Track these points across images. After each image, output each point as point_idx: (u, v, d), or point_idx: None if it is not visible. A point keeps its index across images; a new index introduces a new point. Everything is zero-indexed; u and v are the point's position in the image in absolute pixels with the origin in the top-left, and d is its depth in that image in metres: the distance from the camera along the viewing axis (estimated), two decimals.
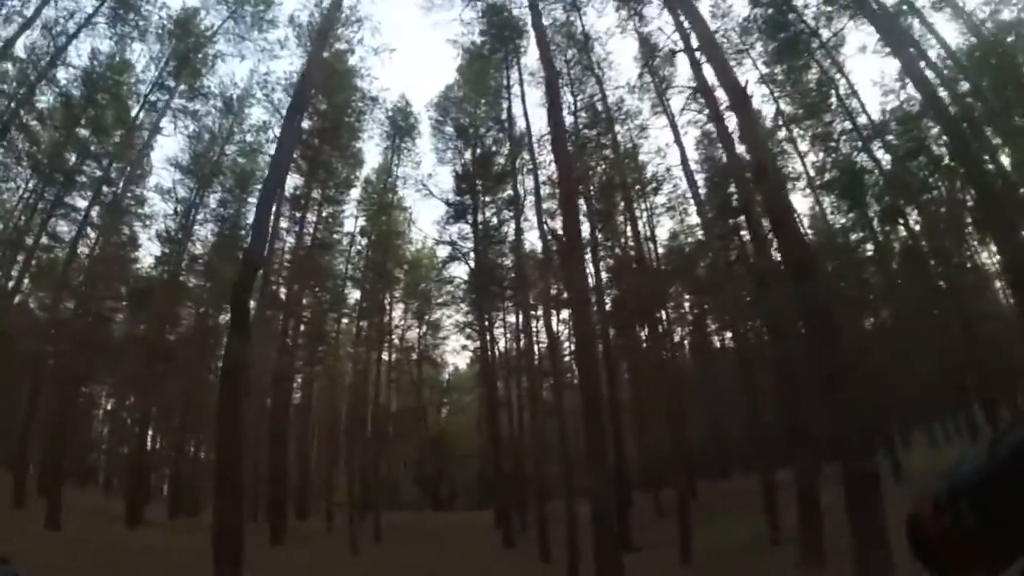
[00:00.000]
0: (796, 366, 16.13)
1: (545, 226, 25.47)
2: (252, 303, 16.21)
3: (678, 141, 25.69)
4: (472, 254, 30.85)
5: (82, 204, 33.40)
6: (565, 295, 24.37)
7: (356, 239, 33.86)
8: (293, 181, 31.55)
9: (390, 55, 39.62)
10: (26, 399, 31.29)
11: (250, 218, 33.11)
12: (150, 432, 35.66)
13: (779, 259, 15.43)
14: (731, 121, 17.51)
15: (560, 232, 18.04)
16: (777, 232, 12.40)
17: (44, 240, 33.76)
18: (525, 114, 27.84)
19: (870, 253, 30.80)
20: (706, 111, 25.78)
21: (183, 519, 28.73)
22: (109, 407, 45.69)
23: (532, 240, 45.94)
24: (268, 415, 32.09)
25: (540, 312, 40.22)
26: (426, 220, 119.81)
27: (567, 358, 44.42)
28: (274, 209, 30.25)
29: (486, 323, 31.87)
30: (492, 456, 26.50)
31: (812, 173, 30.00)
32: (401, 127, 31.39)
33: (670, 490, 25.35)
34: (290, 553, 20.38)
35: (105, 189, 32.80)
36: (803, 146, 30.20)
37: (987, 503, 0.86)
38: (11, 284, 36.02)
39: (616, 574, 10.80)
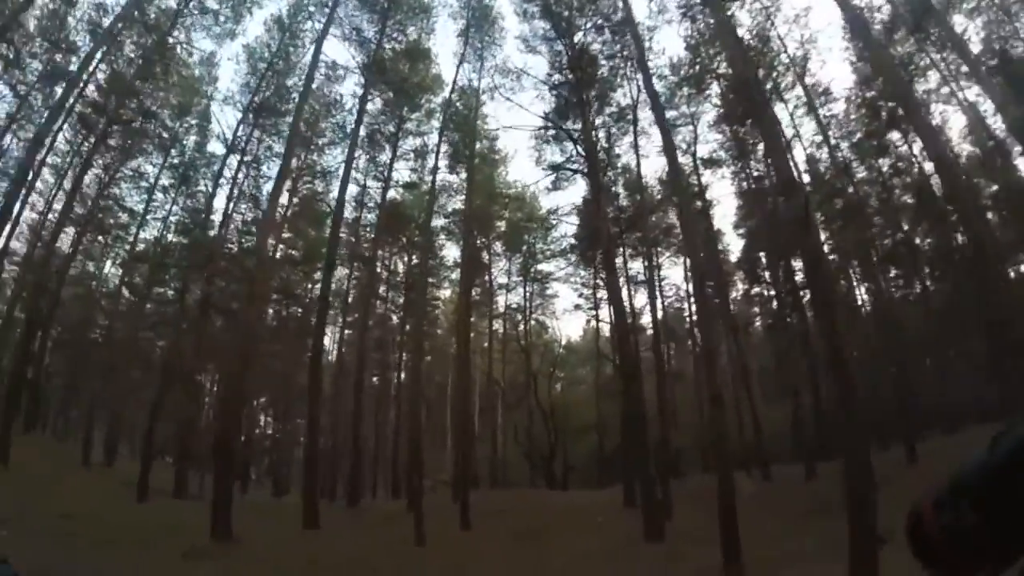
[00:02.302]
0: None
1: None
2: None
3: None
4: (583, 175, 22.45)
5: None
6: None
7: (443, 173, 26.07)
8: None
9: None
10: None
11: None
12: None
13: None
14: None
15: None
16: None
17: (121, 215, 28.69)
18: None
19: None
20: None
21: None
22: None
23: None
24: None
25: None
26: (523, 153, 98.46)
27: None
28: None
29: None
30: (630, 421, 17.57)
31: None
32: (476, 10, 23.37)
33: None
34: (321, 543, 13.17)
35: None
36: None
37: (988, 501, 0.79)
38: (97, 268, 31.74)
39: None
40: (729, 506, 10.66)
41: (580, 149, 21.36)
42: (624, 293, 26.66)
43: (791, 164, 16.17)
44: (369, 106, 24.38)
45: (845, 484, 9.03)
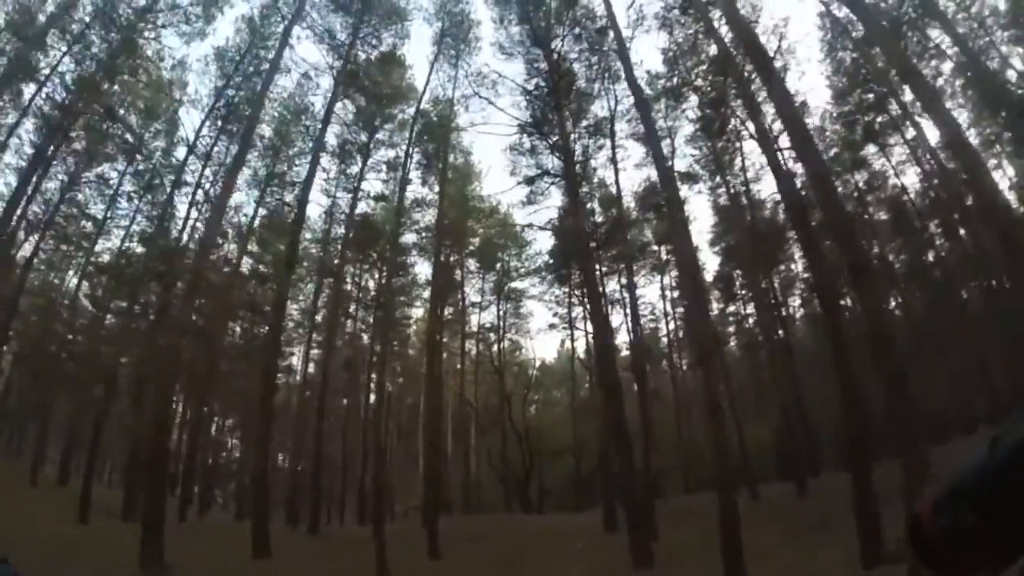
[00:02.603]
0: None
1: None
2: None
3: None
4: (560, 185, 21.61)
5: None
6: None
7: (415, 186, 24.95)
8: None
9: None
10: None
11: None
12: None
13: None
14: None
15: None
16: None
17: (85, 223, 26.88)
18: None
19: None
20: None
21: None
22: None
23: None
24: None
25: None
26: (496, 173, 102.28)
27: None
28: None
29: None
30: (612, 438, 16.20)
31: None
32: (451, 15, 22.54)
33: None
34: (267, 574, 11.73)
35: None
36: None
37: (988, 503, 0.78)
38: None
39: None
40: (732, 522, 9.55)
41: (558, 156, 20.52)
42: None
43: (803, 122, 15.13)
44: (341, 112, 23.37)
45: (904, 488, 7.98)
